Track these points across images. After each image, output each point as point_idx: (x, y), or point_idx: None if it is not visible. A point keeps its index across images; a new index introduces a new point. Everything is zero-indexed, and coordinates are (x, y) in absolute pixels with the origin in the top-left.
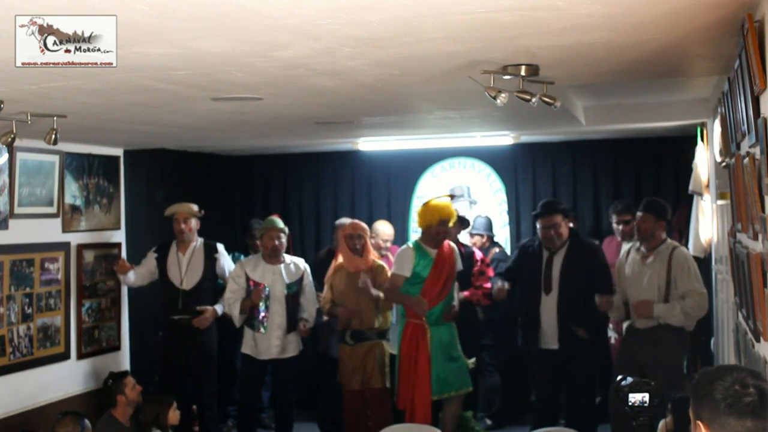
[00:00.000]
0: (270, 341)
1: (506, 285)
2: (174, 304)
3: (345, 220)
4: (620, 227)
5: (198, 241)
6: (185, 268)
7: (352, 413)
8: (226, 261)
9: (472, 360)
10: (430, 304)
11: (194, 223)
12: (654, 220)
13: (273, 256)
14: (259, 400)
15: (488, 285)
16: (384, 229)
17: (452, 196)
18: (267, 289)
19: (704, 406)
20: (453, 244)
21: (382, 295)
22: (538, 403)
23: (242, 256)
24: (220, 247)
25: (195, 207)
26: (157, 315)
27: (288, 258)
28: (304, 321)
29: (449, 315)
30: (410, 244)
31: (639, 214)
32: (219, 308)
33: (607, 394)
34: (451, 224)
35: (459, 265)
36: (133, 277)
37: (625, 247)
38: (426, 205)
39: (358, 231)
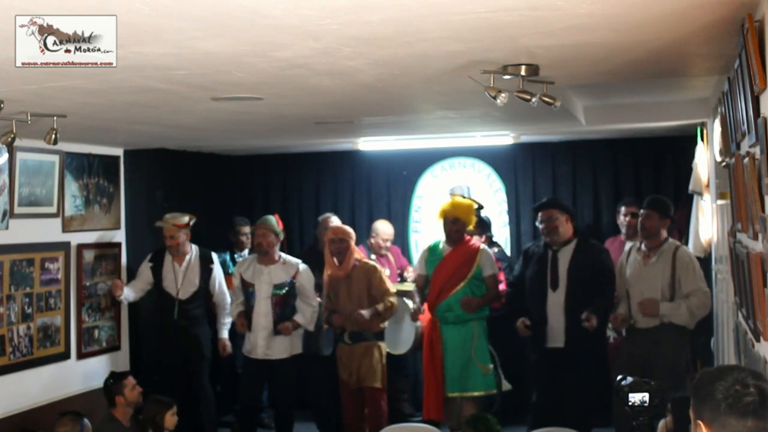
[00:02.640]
0: (256, 341)
1: (526, 321)
2: (169, 313)
3: (327, 215)
4: (627, 218)
5: (193, 251)
6: (181, 278)
7: (350, 413)
8: (218, 271)
9: (490, 366)
10: (435, 301)
11: (183, 237)
12: (659, 217)
13: (260, 254)
14: (258, 400)
15: None
16: (384, 228)
17: (479, 207)
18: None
19: (705, 405)
20: (484, 247)
21: (380, 307)
22: (537, 404)
23: (227, 256)
24: (214, 256)
25: (184, 219)
26: (156, 316)
27: (283, 258)
28: (292, 322)
29: (463, 304)
30: (431, 243)
31: (643, 211)
32: (225, 334)
33: (605, 396)
34: (463, 224)
35: (487, 270)
36: (130, 294)
37: (627, 246)
38: (447, 200)
39: (339, 234)
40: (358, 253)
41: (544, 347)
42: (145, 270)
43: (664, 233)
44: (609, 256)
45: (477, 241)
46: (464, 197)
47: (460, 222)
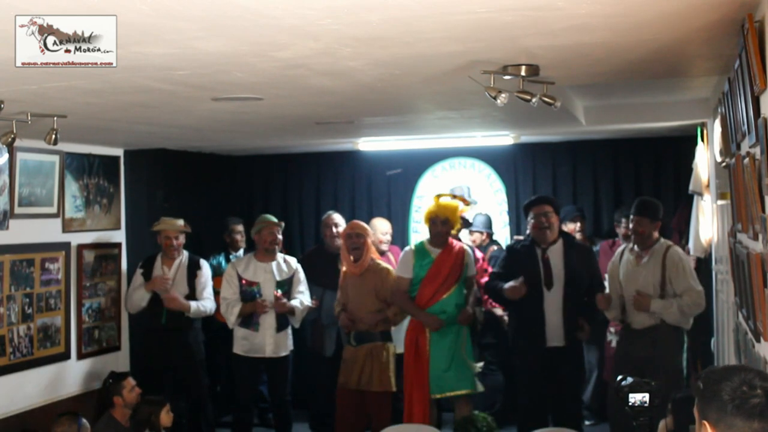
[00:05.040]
0: (264, 340)
1: (520, 281)
2: (157, 317)
3: (329, 213)
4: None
5: (183, 256)
6: (170, 283)
7: (343, 413)
8: (206, 278)
9: (480, 364)
10: (427, 303)
11: (182, 238)
12: (650, 222)
13: (271, 251)
14: (257, 399)
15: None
16: (380, 225)
17: (467, 203)
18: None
19: (711, 406)
20: (467, 248)
21: (389, 312)
22: (527, 405)
23: (222, 258)
24: (204, 263)
25: (181, 222)
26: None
27: (280, 256)
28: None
29: (462, 318)
30: (413, 245)
31: (634, 217)
32: (194, 305)
33: (599, 395)
34: (451, 225)
35: (471, 269)
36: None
37: (620, 249)
38: (432, 202)
39: (356, 230)
40: (374, 253)
41: (543, 347)
42: (138, 278)
43: (655, 234)
44: (594, 255)
45: (477, 239)
46: (455, 196)
47: (450, 223)
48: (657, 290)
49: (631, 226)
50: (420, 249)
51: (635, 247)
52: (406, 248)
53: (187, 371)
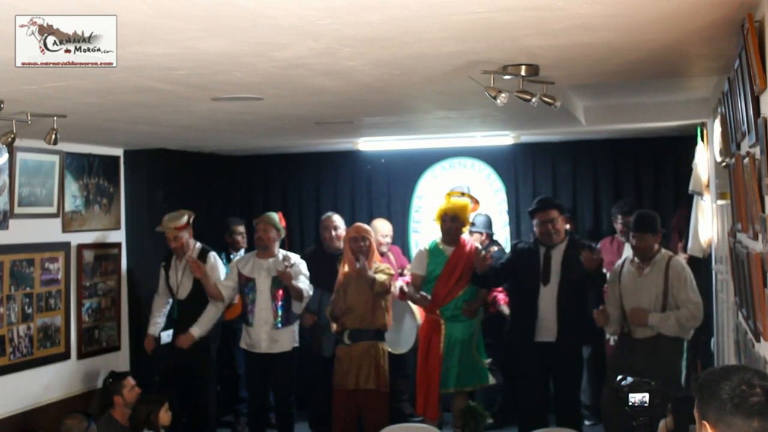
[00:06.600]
0: (258, 335)
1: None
2: (170, 314)
3: (328, 215)
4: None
5: (195, 249)
6: (180, 278)
7: (341, 413)
8: (212, 268)
9: (488, 360)
10: (442, 300)
11: (185, 236)
12: (651, 236)
13: (260, 249)
14: (266, 395)
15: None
16: (381, 226)
17: (476, 201)
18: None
19: (710, 405)
20: (477, 245)
21: (378, 277)
22: (527, 402)
23: (223, 257)
24: (213, 255)
25: (183, 220)
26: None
27: (281, 254)
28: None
29: (467, 311)
30: (428, 244)
31: (635, 234)
32: (196, 331)
33: (599, 395)
34: (462, 223)
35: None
36: (160, 319)
37: (620, 260)
38: (444, 200)
39: (362, 233)
40: (377, 254)
41: (532, 341)
42: (161, 274)
43: (656, 246)
44: (597, 253)
45: (477, 239)
46: (464, 194)
47: (459, 220)
48: (660, 300)
49: (633, 243)
50: (434, 248)
51: (636, 259)
52: (421, 247)
53: (199, 368)
